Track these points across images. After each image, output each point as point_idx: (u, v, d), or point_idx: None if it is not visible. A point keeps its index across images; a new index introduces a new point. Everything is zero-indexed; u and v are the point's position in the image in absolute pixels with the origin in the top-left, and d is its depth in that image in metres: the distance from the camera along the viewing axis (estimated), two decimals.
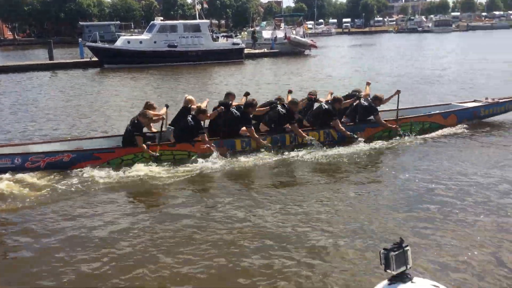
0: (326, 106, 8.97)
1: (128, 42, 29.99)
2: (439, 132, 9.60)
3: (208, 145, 7.93)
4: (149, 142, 8.01)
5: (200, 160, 7.77)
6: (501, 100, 10.67)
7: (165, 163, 7.74)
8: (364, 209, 5.88)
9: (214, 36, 34.47)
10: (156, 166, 7.62)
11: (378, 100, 9.38)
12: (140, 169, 7.49)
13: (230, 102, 8.84)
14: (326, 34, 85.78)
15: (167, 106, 8.46)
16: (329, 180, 7.18)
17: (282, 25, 42.86)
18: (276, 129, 8.66)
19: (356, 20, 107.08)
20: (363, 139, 8.87)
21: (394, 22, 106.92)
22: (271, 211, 5.87)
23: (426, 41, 57.26)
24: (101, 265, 4.67)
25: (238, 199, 6.38)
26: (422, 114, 10.04)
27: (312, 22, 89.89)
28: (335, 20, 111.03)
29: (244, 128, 8.42)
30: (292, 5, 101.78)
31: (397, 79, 19.62)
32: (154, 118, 8.12)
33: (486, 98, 10.80)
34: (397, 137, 9.21)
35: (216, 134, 8.46)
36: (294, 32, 39.56)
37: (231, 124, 8.41)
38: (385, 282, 1.34)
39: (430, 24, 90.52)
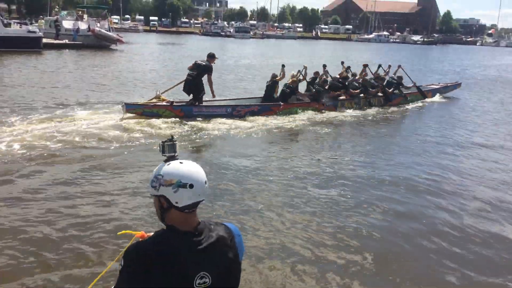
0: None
1: None
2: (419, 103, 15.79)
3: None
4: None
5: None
6: (449, 84, 18.50)
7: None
8: None
9: (5, 22, 30.42)
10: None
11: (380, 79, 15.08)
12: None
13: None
14: (133, 31, 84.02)
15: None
16: None
17: (86, 16, 40.36)
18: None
19: (163, 19, 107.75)
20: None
21: (200, 25, 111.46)
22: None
23: (229, 45, 61.68)
24: None
25: None
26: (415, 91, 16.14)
27: (118, 17, 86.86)
28: (142, 17, 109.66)
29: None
30: None
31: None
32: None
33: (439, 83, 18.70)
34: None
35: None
36: (98, 25, 37.80)
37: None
38: (163, 163, 1.95)
39: (231, 30, 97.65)
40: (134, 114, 10.58)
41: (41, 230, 5.06)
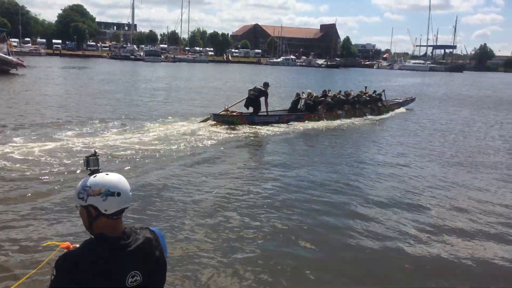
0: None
1: None
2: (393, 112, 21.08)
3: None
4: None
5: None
6: (408, 99, 24.40)
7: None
8: None
9: None
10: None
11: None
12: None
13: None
14: (35, 54, 79.33)
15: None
16: None
17: None
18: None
19: (67, 42, 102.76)
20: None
21: (108, 48, 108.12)
22: None
23: (140, 68, 60.68)
24: None
25: None
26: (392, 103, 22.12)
27: (17, 39, 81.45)
28: (44, 40, 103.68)
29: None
30: None
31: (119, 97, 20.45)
32: None
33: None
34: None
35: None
36: None
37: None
38: (88, 176, 2.11)
39: (142, 53, 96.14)
40: (217, 122, 14.81)
41: None
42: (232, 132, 13.90)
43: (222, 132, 13.65)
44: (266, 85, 16.02)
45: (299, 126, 15.60)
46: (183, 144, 11.43)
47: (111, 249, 1.98)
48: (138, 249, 2.03)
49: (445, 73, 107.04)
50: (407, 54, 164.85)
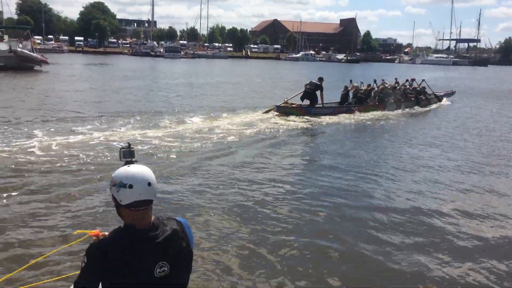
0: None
1: None
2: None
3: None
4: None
5: None
6: (449, 92, 25.30)
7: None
8: None
9: None
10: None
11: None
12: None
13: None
14: (58, 51, 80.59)
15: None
16: None
17: (6, 37, 38.10)
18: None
19: (89, 39, 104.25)
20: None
21: (129, 45, 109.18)
22: None
23: (161, 64, 61.10)
24: None
25: None
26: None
27: (40, 37, 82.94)
28: (66, 38, 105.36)
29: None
30: (15, 17, 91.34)
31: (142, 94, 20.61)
32: None
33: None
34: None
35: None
36: (20, 45, 35.84)
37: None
38: (123, 166, 2.15)
39: (161, 50, 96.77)
40: (279, 113, 16.50)
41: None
42: (292, 122, 15.44)
43: (283, 122, 15.33)
44: (320, 79, 17.34)
45: (351, 117, 16.82)
46: (250, 132, 13.01)
47: (140, 240, 2.03)
48: (166, 240, 2.07)
49: (469, 67, 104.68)
50: (429, 48, 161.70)
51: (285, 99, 17.36)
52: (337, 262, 5.18)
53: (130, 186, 2.04)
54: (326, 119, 16.15)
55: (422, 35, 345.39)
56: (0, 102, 16.86)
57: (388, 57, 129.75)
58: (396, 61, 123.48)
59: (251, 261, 5.03)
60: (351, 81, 19.63)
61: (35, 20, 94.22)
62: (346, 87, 18.69)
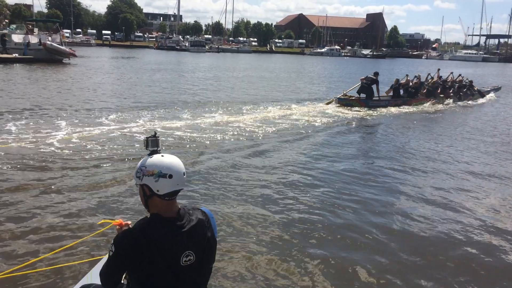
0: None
1: None
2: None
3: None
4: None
5: None
6: (495, 87, 26.58)
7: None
8: None
9: None
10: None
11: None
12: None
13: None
14: (86, 45, 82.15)
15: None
16: None
17: (36, 30, 39.01)
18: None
19: (116, 33, 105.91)
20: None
21: (154, 39, 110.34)
22: None
23: (187, 58, 61.51)
24: None
25: None
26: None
27: (69, 30, 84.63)
28: (94, 31, 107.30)
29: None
30: (45, 10, 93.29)
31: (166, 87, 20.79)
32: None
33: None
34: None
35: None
36: (50, 38, 36.67)
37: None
38: (147, 156, 2.19)
39: (187, 44, 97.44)
40: (340, 104, 17.90)
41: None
42: (352, 112, 16.76)
43: (345, 112, 16.69)
44: (376, 74, 18.58)
45: (404, 109, 17.95)
46: (314, 122, 14.15)
47: (167, 230, 2.06)
48: (191, 230, 2.11)
49: (500, 63, 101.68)
50: (458, 44, 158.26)
51: (344, 92, 18.84)
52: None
53: (170, 176, 2.09)
54: (382, 111, 17.30)
55: (451, 30, 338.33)
56: (29, 93, 17.28)
57: (415, 53, 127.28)
58: (423, 57, 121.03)
59: (279, 255, 4.99)
60: (407, 75, 20.42)
61: (64, 14, 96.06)
62: (397, 81, 19.56)
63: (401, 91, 19.50)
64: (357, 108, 17.44)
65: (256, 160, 8.96)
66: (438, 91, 20.14)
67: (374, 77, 18.39)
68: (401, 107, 18.35)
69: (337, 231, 5.71)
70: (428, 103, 19.30)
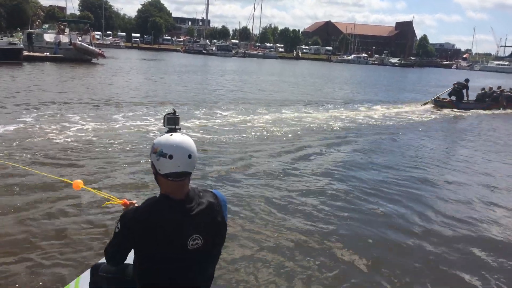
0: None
1: None
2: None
3: None
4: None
5: None
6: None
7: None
8: None
9: None
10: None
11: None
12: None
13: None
14: (115, 46, 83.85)
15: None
16: None
17: (67, 30, 39.99)
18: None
19: (145, 36, 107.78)
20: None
21: (182, 43, 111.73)
22: None
23: (211, 62, 61.96)
24: None
25: None
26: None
27: (99, 32, 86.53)
28: (123, 34, 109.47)
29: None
30: (77, 12, 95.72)
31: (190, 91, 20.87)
32: None
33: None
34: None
35: None
36: (80, 39, 37.53)
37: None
38: (166, 133, 2.10)
39: (213, 48, 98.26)
40: (435, 105, 21.07)
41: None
42: (446, 112, 19.71)
43: (439, 112, 19.68)
44: (467, 80, 20.99)
45: (488, 112, 20.50)
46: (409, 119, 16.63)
47: (175, 212, 2.00)
48: (200, 213, 2.04)
49: None
50: (489, 54, 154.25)
51: (437, 95, 22.32)
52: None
53: (170, 157, 1.99)
54: (471, 112, 19.96)
55: (483, 41, 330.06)
56: (58, 89, 17.61)
57: (445, 63, 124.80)
58: (453, 67, 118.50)
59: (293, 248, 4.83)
60: (499, 87, 23.18)
61: (96, 16, 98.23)
62: (483, 89, 22.59)
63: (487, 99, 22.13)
64: (447, 110, 20.25)
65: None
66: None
67: (465, 83, 20.97)
68: (486, 111, 20.81)
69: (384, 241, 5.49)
70: (507, 109, 21.68)
